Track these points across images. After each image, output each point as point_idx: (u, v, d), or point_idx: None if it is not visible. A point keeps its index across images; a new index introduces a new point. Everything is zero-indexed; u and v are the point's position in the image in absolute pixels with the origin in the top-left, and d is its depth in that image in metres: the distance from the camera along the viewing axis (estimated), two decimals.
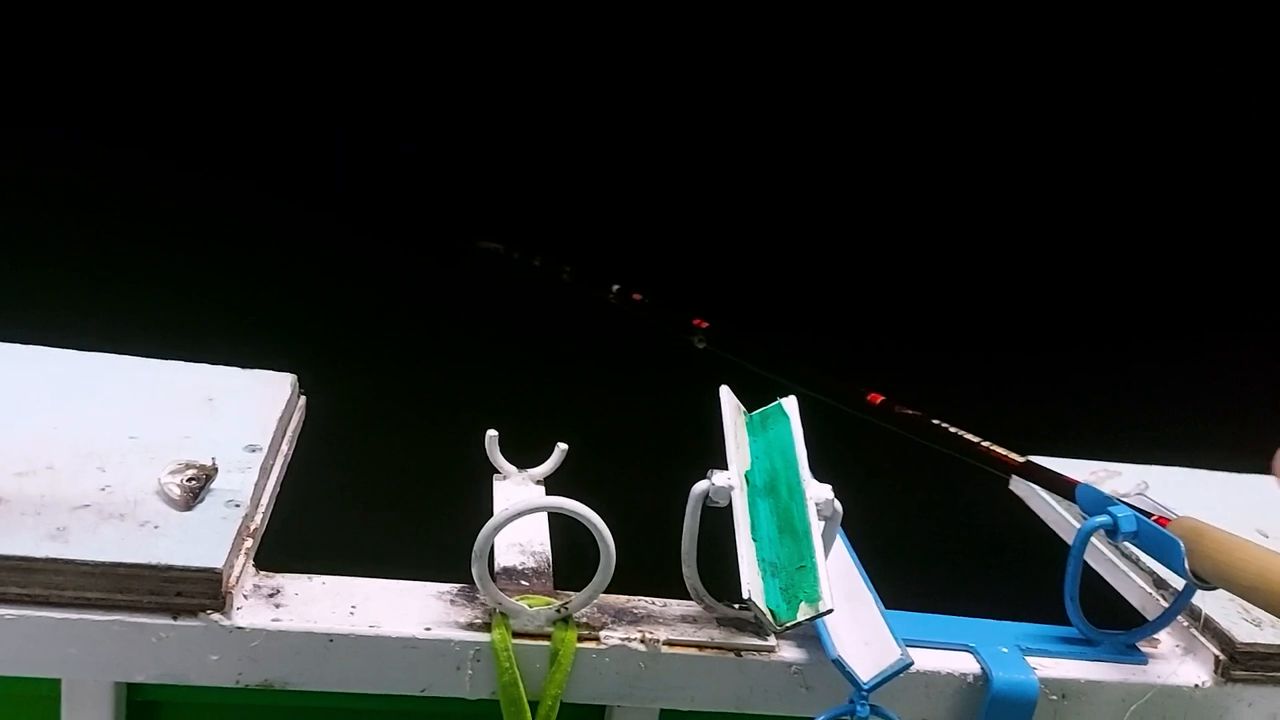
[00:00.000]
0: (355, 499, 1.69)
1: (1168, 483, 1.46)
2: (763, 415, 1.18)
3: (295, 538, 1.18)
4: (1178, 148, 2.59)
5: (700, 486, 1.05)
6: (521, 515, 0.99)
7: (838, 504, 1.06)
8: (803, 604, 0.97)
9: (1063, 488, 1.24)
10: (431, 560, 1.13)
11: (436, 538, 1.18)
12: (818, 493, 1.06)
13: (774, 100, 2.48)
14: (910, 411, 1.47)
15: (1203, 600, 1.16)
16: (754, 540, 1.04)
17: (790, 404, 1.16)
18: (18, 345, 1.31)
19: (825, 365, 1.57)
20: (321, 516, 1.36)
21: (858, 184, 2.53)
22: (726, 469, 1.09)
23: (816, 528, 1.03)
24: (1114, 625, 1.18)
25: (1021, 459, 1.32)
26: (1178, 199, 2.63)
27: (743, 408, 1.20)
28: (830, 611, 0.96)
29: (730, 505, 1.05)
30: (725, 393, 1.18)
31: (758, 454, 1.13)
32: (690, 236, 2.45)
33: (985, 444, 1.36)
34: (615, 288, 2.03)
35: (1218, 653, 1.14)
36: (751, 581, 0.99)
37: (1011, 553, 1.55)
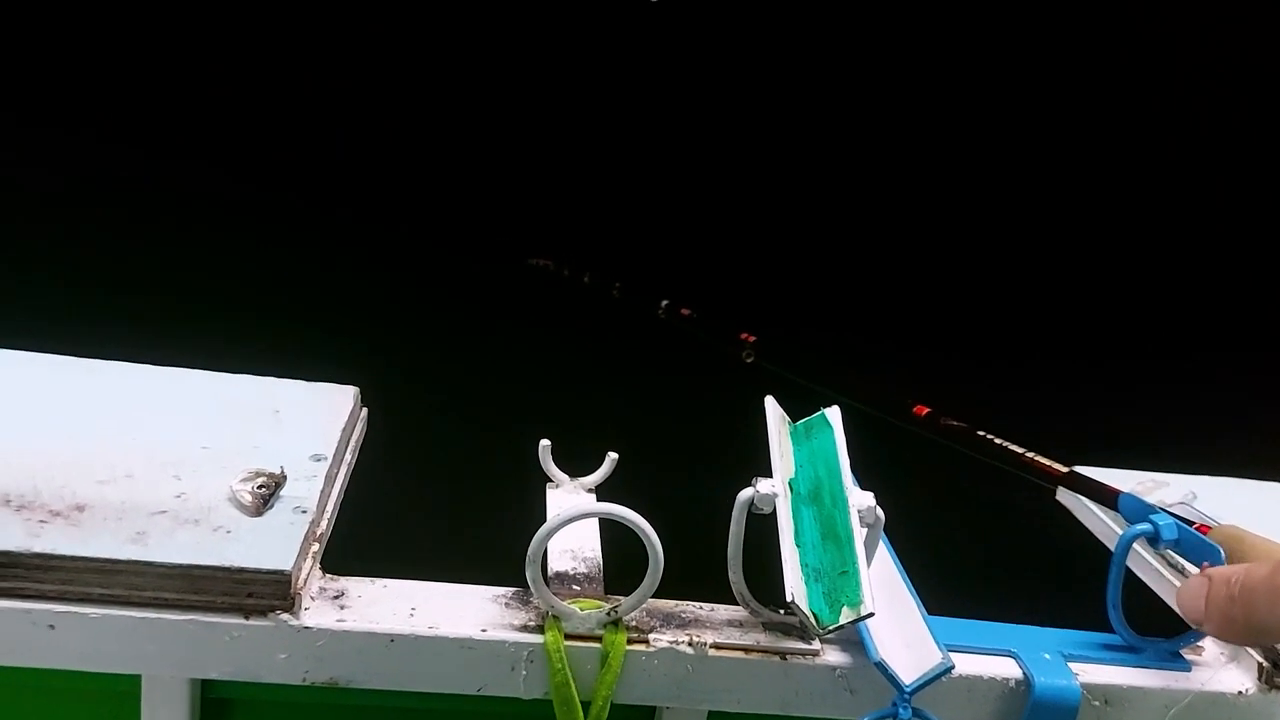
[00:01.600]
0: (415, 506, 1.75)
1: (1217, 493, 1.47)
2: (807, 425, 1.21)
3: (358, 543, 1.23)
4: (1235, 155, 2.57)
5: (745, 494, 1.09)
6: (573, 520, 1.03)
7: (880, 511, 1.09)
8: (845, 608, 1.00)
9: (1106, 497, 1.26)
10: (487, 565, 1.17)
11: (491, 543, 1.22)
12: (860, 500, 1.08)
13: (822, 116, 2.51)
14: (955, 423, 1.49)
15: None
16: (798, 546, 1.07)
17: (834, 414, 1.19)
18: (98, 360, 1.38)
19: (873, 376, 1.60)
20: (383, 523, 1.41)
21: (906, 196, 2.55)
22: (771, 477, 1.12)
23: (859, 534, 1.06)
24: (1159, 633, 1.19)
25: (1065, 469, 1.34)
26: (1241, 208, 2.61)
27: (787, 417, 1.23)
28: (871, 615, 0.98)
29: (774, 512, 1.08)
30: (770, 403, 1.21)
31: (802, 462, 1.16)
32: (739, 250, 2.49)
33: (1029, 455, 1.38)
34: (664, 303, 2.07)
35: (1261, 660, 1.14)
36: (795, 585, 1.02)
37: (1057, 563, 1.56)
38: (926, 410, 1.53)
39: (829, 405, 1.21)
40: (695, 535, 1.15)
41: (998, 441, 1.42)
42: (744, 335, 1.86)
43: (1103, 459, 1.46)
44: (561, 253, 2.42)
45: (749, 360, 1.83)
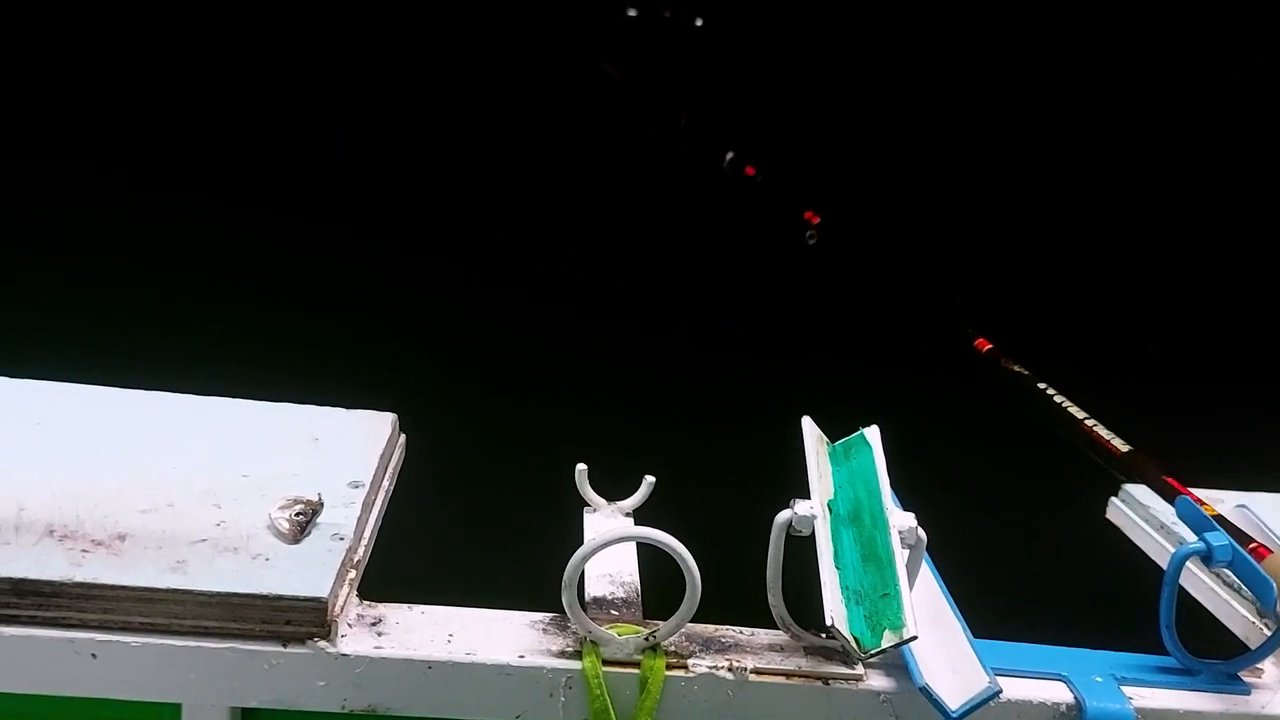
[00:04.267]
0: (454, 532, 1.75)
1: (1274, 509, 1.42)
2: (845, 445, 1.19)
3: (397, 569, 1.23)
4: None
5: (783, 516, 1.07)
6: (609, 545, 1.02)
7: (921, 532, 1.07)
8: (887, 631, 0.98)
9: (1166, 491, 1.19)
10: (525, 590, 1.17)
11: (530, 568, 1.22)
12: (901, 521, 1.06)
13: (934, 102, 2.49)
14: (1018, 368, 1.36)
15: None
16: (838, 568, 1.05)
17: (873, 434, 1.17)
18: (141, 391, 1.40)
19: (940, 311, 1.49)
20: (422, 549, 1.42)
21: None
22: (810, 498, 1.10)
23: (900, 555, 1.04)
24: (1217, 655, 1.15)
25: (1125, 448, 1.23)
26: None
27: (825, 438, 1.21)
28: (915, 638, 0.96)
29: (813, 534, 1.07)
30: (807, 423, 1.20)
31: (841, 483, 1.14)
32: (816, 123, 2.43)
33: (1090, 423, 1.25)
34: (729, 155, 2.01)
35: None
36: (835, 609, 1.00)
37: (1108, 583, 1.52)
38: (989, 346, 1.41)
39: (868, 425, 1.19)
40: (737, 557, 1.14)
41: (1058, 399, 1.28)
42: (808, 215, 1.77)
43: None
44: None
45: (812, 242, 1.74)
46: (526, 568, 1.24)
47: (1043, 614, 1.26)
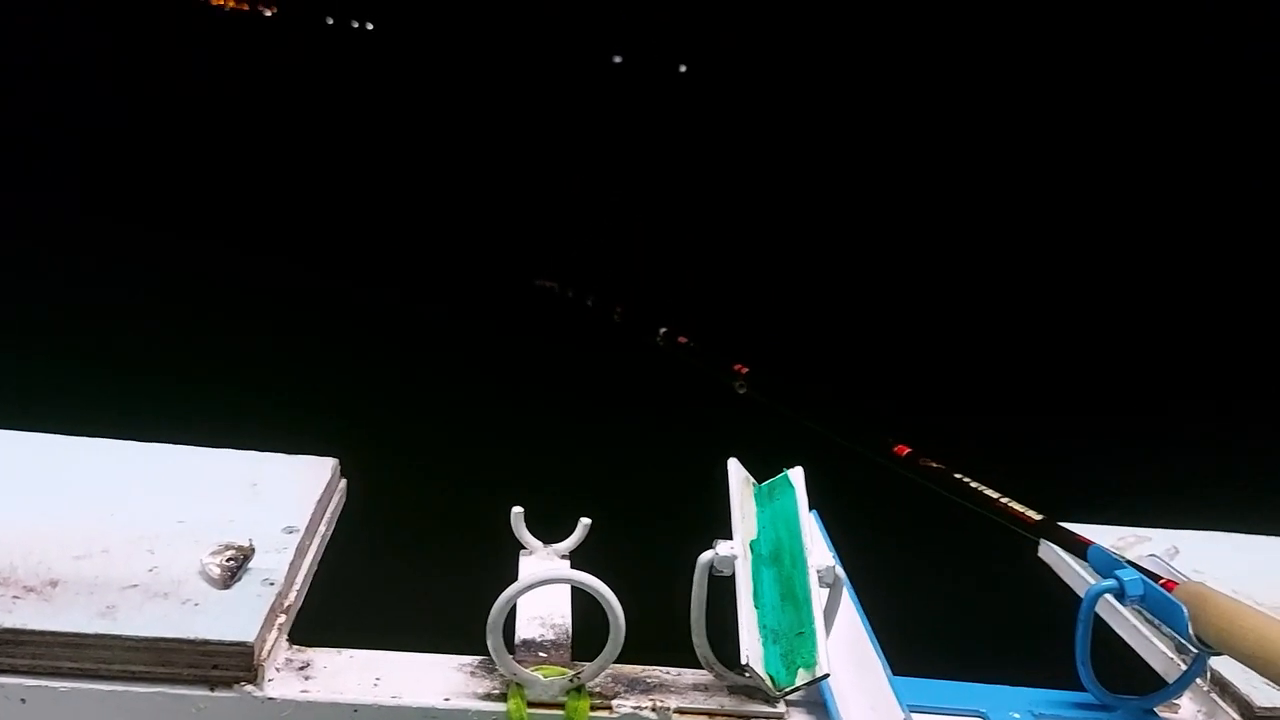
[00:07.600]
0: (393, 575, 1.76)
1: (1202, 547, 1.46)
2: (770, 486, 1.21)
3: (333, 613, 1.25)
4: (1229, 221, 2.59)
5: (705, 556, 1.09)
6: (533, 588, 1.04)
7: (840, 571, 1.09)
8: (801, 669, 1.00)
9: (1076, 547, 1.24)
10: (462, 632, 1.18)
11: (469, 610, 1.23)
12: (819, 561, 1.09)
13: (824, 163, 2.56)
14: (934, 464, 1.47)
15: (1222, 664, 1.15)
16: (757, 608, 1.07)
17: (796, 475, 1.19)
18: (86, 438, 1.41)
19: (859, 417, 1.60)
20: (360, 592, 1.43)
21: (896, 245, 2.58)
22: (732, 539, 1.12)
23: (817, 595, 1.06)
24: (1139, 691, 1.17)
25: (1038, 517, 1.32)
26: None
27: (752, 479, 1.24)
28: (826, 676, 0.98)
29: (734, 574, 1.09)
30: (733, 465, 1.22)
31: (764, 524, 1.17)
32: (737, 286, 2.54)
33: (1004, 500, 1.36)
34: (663, 330, 2.11)
35: (1237, 717, 1.13)
36: (751, 648, 1.02)
37: (1038, 619, 1.55)
38: (907, 450, 1.52)
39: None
40: (675, 596, 1.15)
41: (973, 485, 1.40)
42: (737, 367, 1.87)
43: (1111, 515, 1.45)
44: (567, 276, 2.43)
45: (741, 391, 1.84)
46: (464, 610, 1.25)
47: (971, 651, 1.27)
